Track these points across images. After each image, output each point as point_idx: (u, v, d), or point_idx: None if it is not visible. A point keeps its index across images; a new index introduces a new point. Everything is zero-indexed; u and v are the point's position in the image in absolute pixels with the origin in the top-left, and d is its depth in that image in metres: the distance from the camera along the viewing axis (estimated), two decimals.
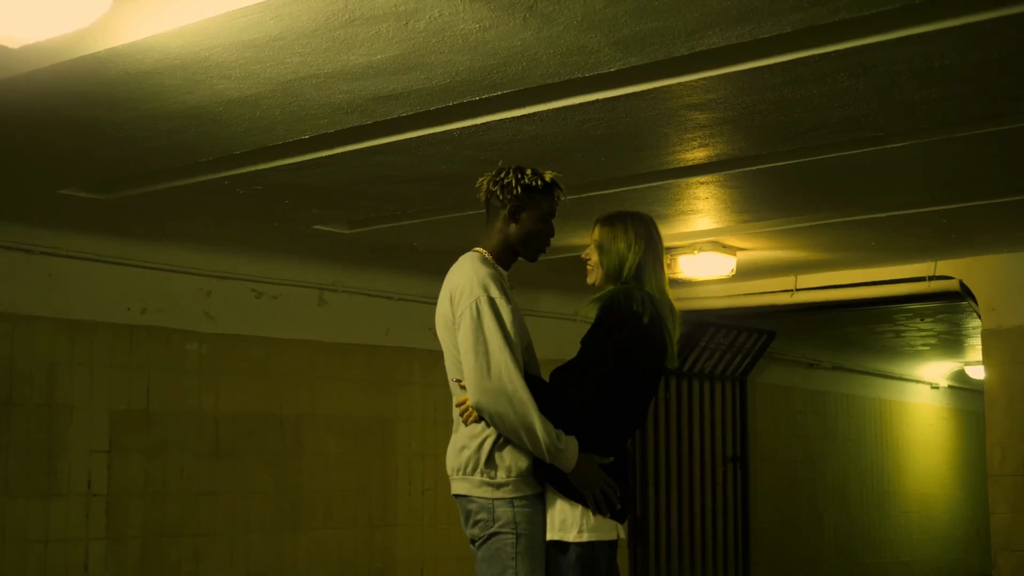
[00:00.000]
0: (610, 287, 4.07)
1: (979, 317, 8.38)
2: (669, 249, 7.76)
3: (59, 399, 6.95)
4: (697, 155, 5.38)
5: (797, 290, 9.19)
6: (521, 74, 4.16)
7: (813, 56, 4.02)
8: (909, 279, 8.64)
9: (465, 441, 3.96)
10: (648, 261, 4.08)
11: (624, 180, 5.90)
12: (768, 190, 6.25)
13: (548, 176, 4.05)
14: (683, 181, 5.94)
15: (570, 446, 3.84)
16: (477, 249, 4.08)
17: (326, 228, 7.00)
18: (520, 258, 4.12)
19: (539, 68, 4.10)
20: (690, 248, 7.73)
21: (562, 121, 4.79)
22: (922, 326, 11.78)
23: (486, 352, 3.80)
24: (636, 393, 4.04)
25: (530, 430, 3.77)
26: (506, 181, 4.00)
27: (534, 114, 4.68)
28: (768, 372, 12.09)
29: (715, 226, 7.20)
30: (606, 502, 3.90)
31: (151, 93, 4.38)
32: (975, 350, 12.99)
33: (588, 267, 4.19)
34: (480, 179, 4.11)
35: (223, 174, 5.62)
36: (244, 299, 7.88)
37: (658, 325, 4.00)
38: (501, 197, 4.01)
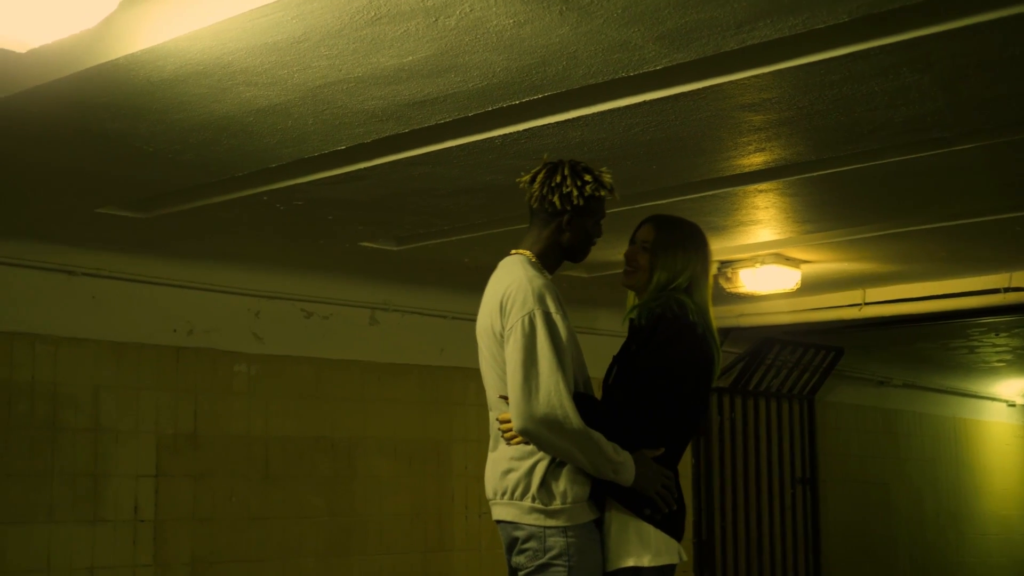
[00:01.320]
0: (654, 293, 3.88)
1: None
2: (730, 262, 7.57)
3: (104, 423, 6.82)
4: (754, 160, 5.13)
5: (865, 304, 8.89)
6: (561, 74, 3.93)
7: (873, 48, 3.74)
8: (982, 291, 8.30)
9: (510, 463, 3.74)
10: (702, 273, 3.96)
11: (678, 189, 5.64)
12: (831, 197, 5.96)
13: (608, 182, 3.83)
14: (741, 189, 5.69)
15: (627, 458, 3.63)
16: (522, 252, 3.84)
17: (373, 245, 6.81)
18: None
19: (580, 67, 3.86)
20: (751, 261, 7.49)
21: (609, 126, 4.54)
22: (997, 341, 11.44)
23: (536, 373, 3.55)
24: (693, 406, 3.87)
25: (586, 452, 3.56)
26: (566, 191, 3.76)
27: (579, 118, 4.43)
28: (837, 390, 11.79)
29: (777, 237, 6.92)
30: (670, 496, 3.73)
31: (177, 103, 4.20)
32: None
33: (631, 267, 3.97)
34: (526, 176, 3.88)
35: (261, 189, 5.44)
36: (293, 319, 7.73)
37: (710, 337, 3.86)
38: (560, 207, 3.79)
